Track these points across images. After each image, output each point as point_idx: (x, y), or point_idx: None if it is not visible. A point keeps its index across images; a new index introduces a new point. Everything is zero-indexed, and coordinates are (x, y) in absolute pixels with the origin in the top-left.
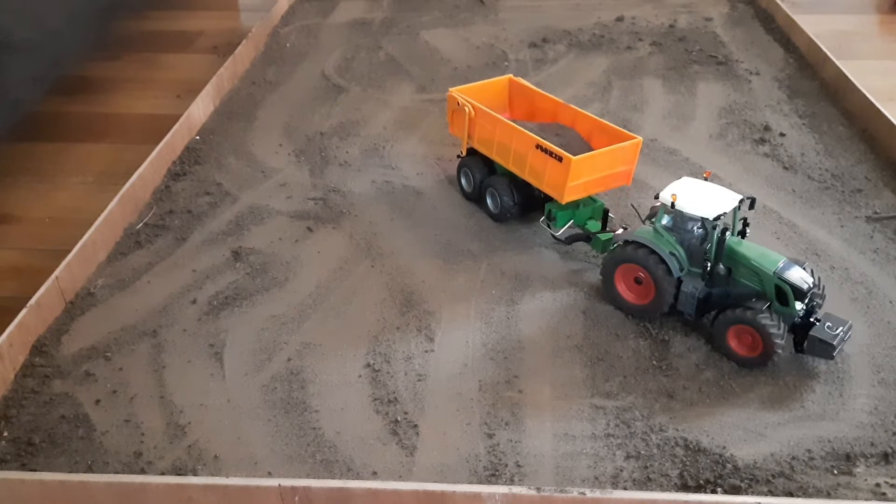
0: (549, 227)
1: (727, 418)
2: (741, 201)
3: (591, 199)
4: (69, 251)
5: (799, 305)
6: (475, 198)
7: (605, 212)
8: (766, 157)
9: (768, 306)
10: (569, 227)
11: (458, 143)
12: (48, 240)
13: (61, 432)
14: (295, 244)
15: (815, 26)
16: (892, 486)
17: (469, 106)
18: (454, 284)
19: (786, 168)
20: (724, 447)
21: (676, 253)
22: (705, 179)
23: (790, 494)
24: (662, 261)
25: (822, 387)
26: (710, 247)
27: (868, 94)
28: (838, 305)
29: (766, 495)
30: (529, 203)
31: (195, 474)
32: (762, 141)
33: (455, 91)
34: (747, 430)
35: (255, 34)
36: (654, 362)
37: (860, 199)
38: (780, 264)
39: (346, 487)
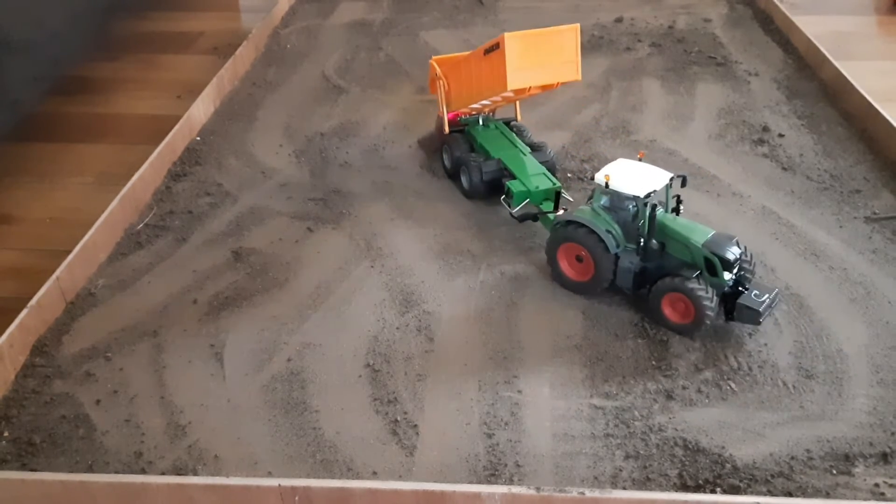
0: (508, 205)
1: (727, 418)
2: (672, 179)
3: (550, 182)
4: (70, 251)
5: (728, 276)
6: (452, 175)
7: (558, 193)
8: (764, 158)
9: (698, 274)
10: (526, 206)
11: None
12: (49, 240)
13: (62, 432)
14: (295, 244)
15: (814, 27)
16: (891, 486)
17: (443, 80)
18: (454, 284)
19: (785, 169)
20: (724, 447)
21: (613, 231)
22: (639, 160)
23: (789, 494)
24: (600, 239)
25: (821, 387)
26: (642, 223)
27: (867, 95)
28: (837, 306)
29: (766, 495)
30: (499, 183)
31: (195, 474)
32: (761, 142)
33: (435, 60)
34: (747, 430)
35: (256, 35)
36: (654, 362)
37: (859, 199)
38: (709, 237)
39: (346, 487)
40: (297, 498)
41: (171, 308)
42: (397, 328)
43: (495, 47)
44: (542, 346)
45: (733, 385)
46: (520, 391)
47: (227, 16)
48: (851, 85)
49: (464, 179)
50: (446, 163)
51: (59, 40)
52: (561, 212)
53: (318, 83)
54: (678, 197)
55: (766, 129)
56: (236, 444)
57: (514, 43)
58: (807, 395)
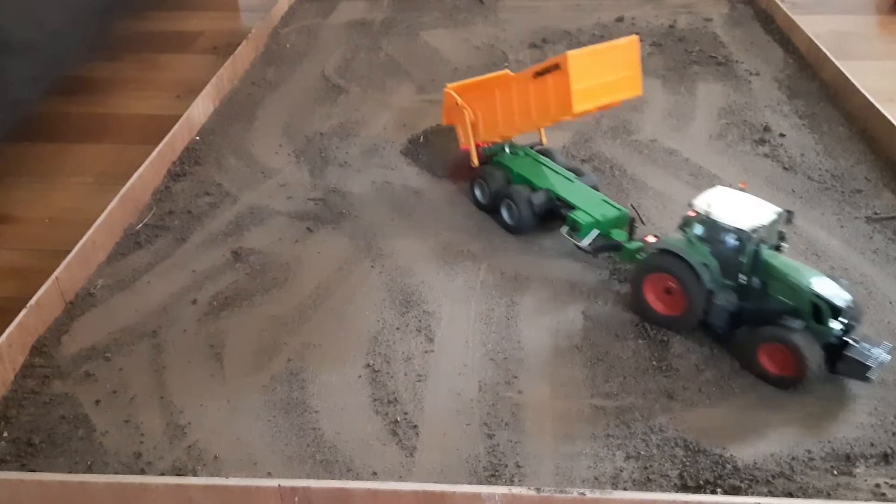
0: (572, 237)
1: (727, 418)
2: (779, 214)
3: (615, 208)
4: (69, 251)
5: (835, 324)
6: (490, 209)
7: (632, 221)
8: (765, 158)
9: (802, 323)
10: (594, 236)
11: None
12: (48, 240)
13: (61, 433)
14: (295, 244)
15: (815, 27)
16: (891, 486)
17: (468, 109)
18: (454, 285)
19: (786, 168)
20: (724, 447)
21: (709, 264)
22: (741, 190)
23: (790, 495)
24: (695, 272)
25: (822, 387)
26: (744, 260)
27: (868, 95)
28: None
29: (766, 496)
30: (548, 214)
31: (195, 475)
32: (762, 141)
33: (451, 88)
34: (747, 430)
35: (255, 35)
36: (654, 363)
37: (860, 199)
38: (817, 280)
39: (345, 488)
40: (296, 498)
41: (170, 308)
42: (397, 328)
43: (552, 68)
44: (542, 346)
45: (734, 385)
46: (520, 391)
47: (226, 15)
48: (853, 85)
49: (506, 214)
50: (480, 197)
51: (59, 40)
52: (651, 238)
53: (318, 83)
54: (781, 233)
55: (767, 128)
56: (236, 445)
57: (578, 62)
58: (808, 395)
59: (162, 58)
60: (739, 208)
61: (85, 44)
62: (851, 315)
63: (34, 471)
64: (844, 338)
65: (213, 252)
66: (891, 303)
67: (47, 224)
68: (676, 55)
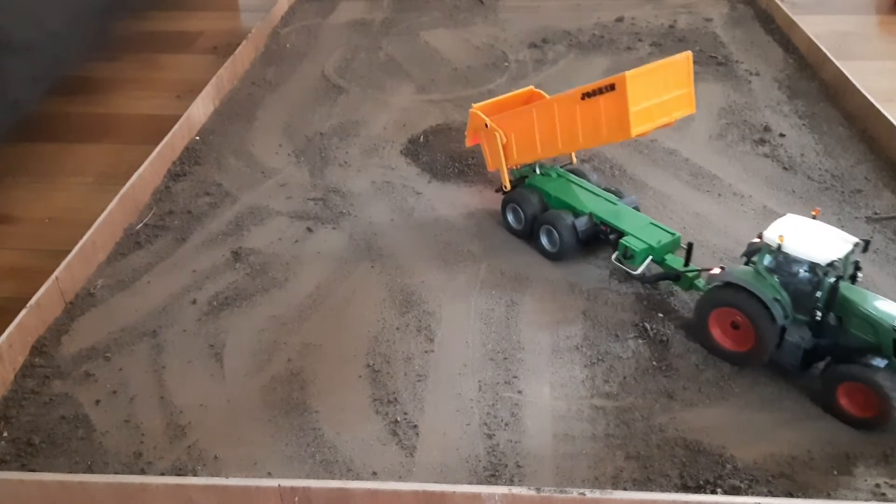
0: (623, 264)
1: (727, 418)
2: (856, 245)
3: (667, 233)
4: (69, 251)
5: None
6: (526, 235)
7: (690, 246)
8: (765, 158)
9: (885, 362)
10: (647, 263)
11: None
12: (48, 240)
13: (61, 433)
14: (295, 244)
15: (815, 27)
16: (891, 486)
17: (500, 132)
18: (454, 284)
19: (786, 168)
20: (724, 447)
21: (780, 298)
22: (813, 217)
23: (790, 494)
24: (765, 307)
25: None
26: (820, 294)
27: (868, 95)
28: None
29: (766, 495)
30: (593, 238)
31: (195, 475)
32: (762, 141)
33: (477, 108)
34: (747, 430)
35: (255, 34)
36: (654, 363)
37: (860, 199)
38: None
39: (345, 488)
40: (296, 498)
41: (170, 308)
42: (397, 328)
43: (605, 89)
44: (542, 346)
45: (734, 385)
46: (520, 391)
47: (226, 15)
48: (852, 85)
49: (546, 240)
50: (514, 223)
51: (59, 40)
52: (716, 270)
53: (318, 83)
54: (857, 263)
55: (767, 128)
56: (236, 445)
57: (635, 82)
58: (808, 394)
59: (162, 58)
60: (814, 239)
61: (85, 44)
62: None
63: (34, 471)
64: None
65: (213, 252)
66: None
67: (47, 224)
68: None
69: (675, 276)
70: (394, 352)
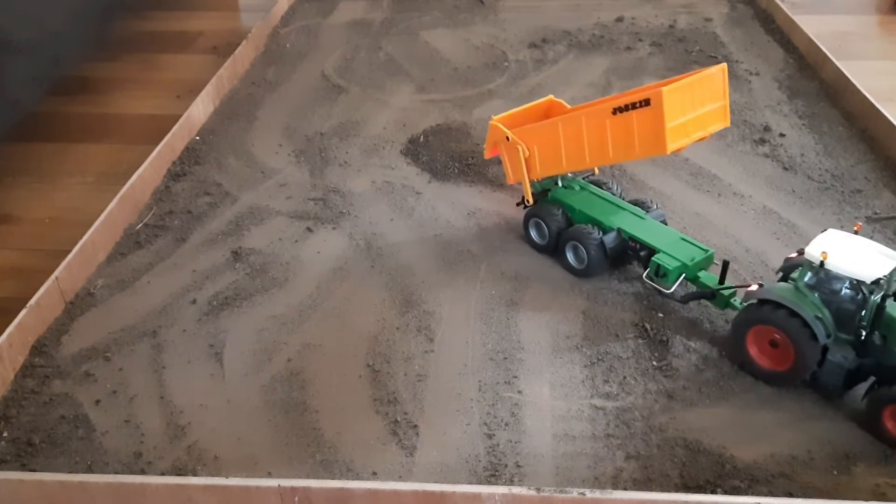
0: (654, 282)
1: (727, 418)
2: None
3: (700, 249)
4: (69, 251)
5: None
6: (550, 251)
7: (725, 264)
8: (765, 158)
9: None
10: (681, 280)
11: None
12: (48, 240)
13: (61, 433)
14: (295, 244)
15: (815, 26)
16: (891, 486)
17: (522, 145)
18: (454, 284)
19: (786, 168)
20: (724, 447)
21: (822, 317)
22: (855, 233)
23: (790, 494)
24: (806, 325)
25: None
26: (864, 313)
27: (868, 95)
28: None
29: (766, 495)
30: (622, 254)
31: (195, 475)
32: (762, 141)
33: (497, 120)
34: (747, 430)
35: (255, 34)
36: (654, 363)
37: (860, 199)
38: None
39: (345, 488)
40: (296, 498)
41: (170, 308)
42: (397, 328)
43: (641, 104)
44: (542, 346)
45: (734, 385)
46: (520, 391)
47: (226, 15)
48: (853, 84)
49: (572, 257)
50: (538, 239)
51: (59, 40)
52: (754, 286)
53: (318, 83)
54: None
55: (767, 128)
56: (236, 445)
57: (671, 97)
58: (808, 394)
59: (162, 58)
60: (857, 255)
61: (85, 44)
62: None
63: (34, 471)
64: None
65: (213, 252)
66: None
67: (47, 224)
68: (676, 55)
69: (711, 295)
70: (394, 352)
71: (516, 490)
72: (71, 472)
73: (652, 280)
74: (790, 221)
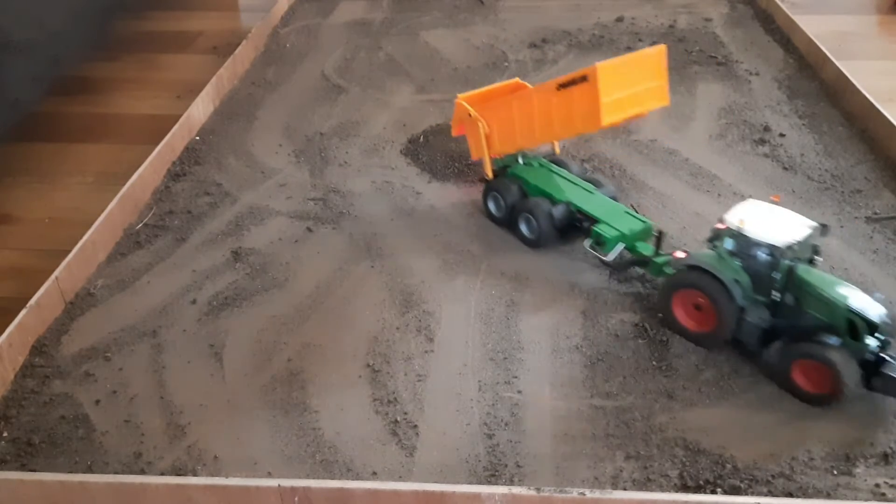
0: (596, 251)
1: (727, 418)
2: (813, 228)
3: (640, 220)
4: (69, 251)
5: (871, 340)
6: (506, 223)
7: (660, 233)
8: (765, 158)
9: (839, 340)
10: (619, 250)
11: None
12: (48, 240)
13: (61, 432)
14: (295, 244)
15: (815, 27)
16: (891, 486)
17: (482, 122)
18: (454, 284)
19: (785, 168)
20: (724, 447)
21: (740, 280)
22: (773, 203)
23: (790, 495)
24: (725, 288)
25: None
26: (778, 276)
27: (868, 95)
28: None
29: (766, 495)
30: (569, 226)
31: (195, 474)
32: (762, 141)
33: (462, 98)
34: (747, 430)
35: (255, 34)
36: (654, 363)
37: (860, 199)
38: (853, 295)
39: (345, 488)
40: (296, 498)
41: (170, 308)
42: (397, 328)
43: (579, 80)
44: (542, 346)
45: (734, 385)
46: (520, 391)
47: (226, 15)
48: (852, 85)
49: (525, 228)
50: (495, 211)
51: (59, 40)
52: (680, 253)
53: (318, 83)
54: (816, 247)
55: (766, 128)
56: (236, 445)
57: (607, 73)
58: None
59: (162, 58)
60: (773, 223)
61: (85, 44)
62: (888, 331)
63: (34, 471)
64: (881, 354)
65: (213, 252)
66: (891, 302)
67: (47, 224)
68: (676, 55)
69: (644, 262)
70: (394, 352)
71: (516, 490)
72: (71, 472)
73: (593, 249)
74: None
